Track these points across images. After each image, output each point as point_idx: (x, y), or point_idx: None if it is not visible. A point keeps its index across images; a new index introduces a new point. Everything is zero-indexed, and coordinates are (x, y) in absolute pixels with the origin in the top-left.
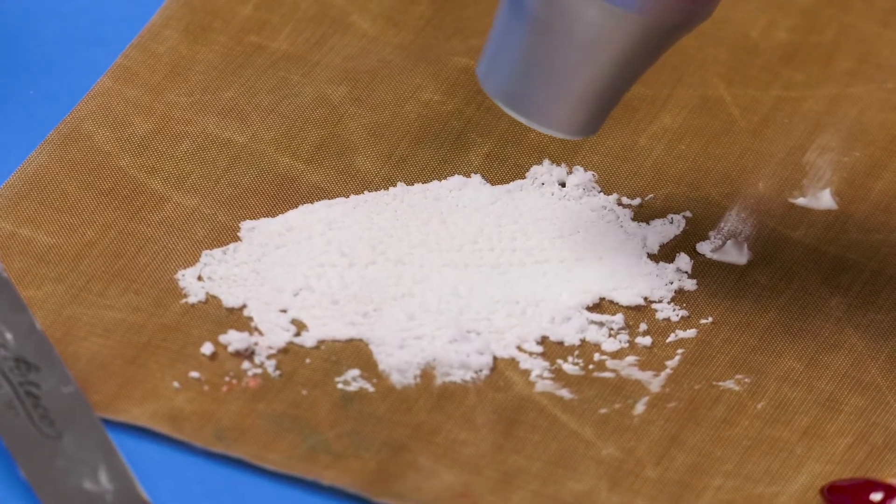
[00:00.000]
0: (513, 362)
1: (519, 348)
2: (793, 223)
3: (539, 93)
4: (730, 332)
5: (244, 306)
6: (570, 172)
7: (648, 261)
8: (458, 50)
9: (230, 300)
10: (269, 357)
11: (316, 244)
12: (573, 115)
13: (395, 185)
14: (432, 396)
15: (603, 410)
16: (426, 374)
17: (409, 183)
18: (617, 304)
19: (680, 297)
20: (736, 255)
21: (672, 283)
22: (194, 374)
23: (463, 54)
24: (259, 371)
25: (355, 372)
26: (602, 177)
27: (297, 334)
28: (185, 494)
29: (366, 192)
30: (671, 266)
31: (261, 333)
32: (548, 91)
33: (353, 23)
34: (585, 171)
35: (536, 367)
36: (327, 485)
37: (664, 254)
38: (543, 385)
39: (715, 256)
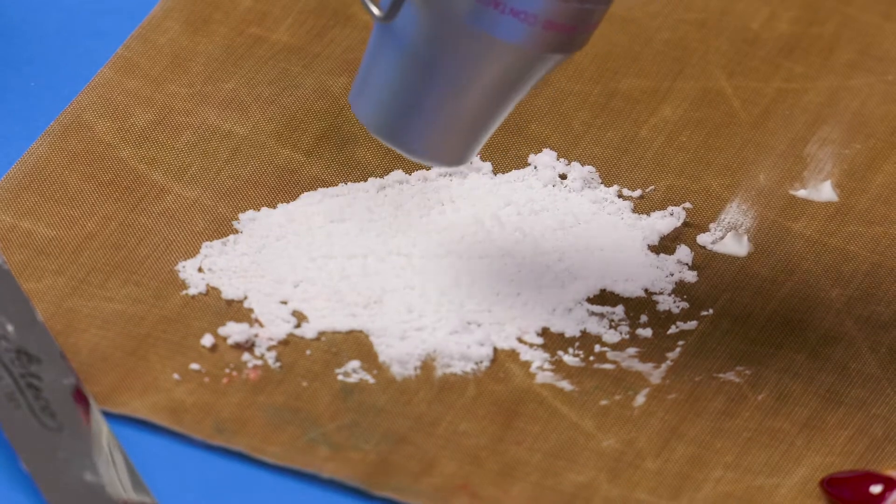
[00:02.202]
0: (513, 354)
1: (519, 340)
2: (793, 215)
3: (409, 120)
4: (730, 323)
5: (244, 298)
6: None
7: (649, 252)
8: None
9: (230, 292)
10: (270, 349)
11: (316, 235)
12: (444, 144)
13: (391, 173)
14: (433, 388)
15: (603, 402)
16: (427, 365)
17: (408, 172)
18: (618, 295)
19: (680, 288)
20: (736, 247)
21: (673, 274)
22: (194, 365)
23: None
24: (259, 363)
25: (356, 363)
26: (603, 168)
27: (298, 326)
28: (186, 486)
29: (366, 180)
30: (672, 258)
31: (261, 325)
32: (418, 120)
33: (354, 14)
34: (584, 164)
35: (537, 358)
36: (327, 477)
37: (665, 245)
38: (544, 376)
39: (715, 248)
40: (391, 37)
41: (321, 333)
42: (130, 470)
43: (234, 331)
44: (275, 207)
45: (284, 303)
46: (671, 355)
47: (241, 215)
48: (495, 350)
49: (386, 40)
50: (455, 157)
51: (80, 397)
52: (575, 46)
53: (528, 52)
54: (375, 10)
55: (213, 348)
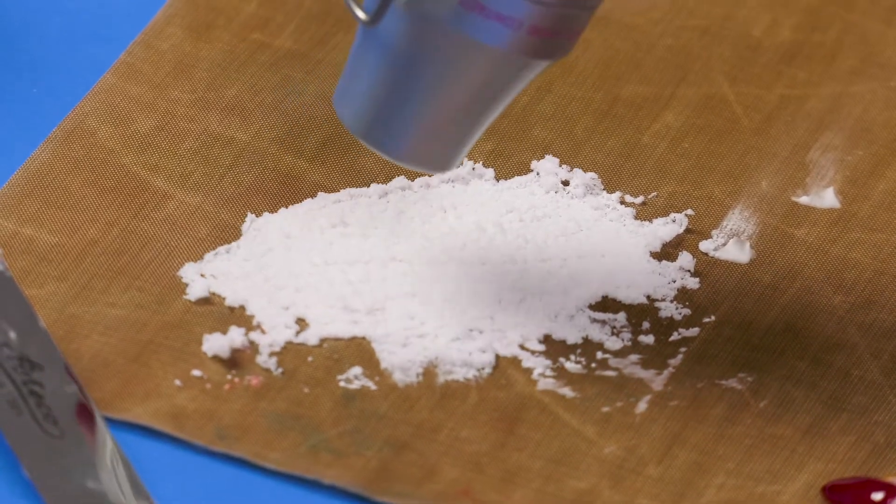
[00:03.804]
0: (515, 360)
1: (521, 346)
2: (796, 222)
3: (393, 125)
4: (732, 330)
5: (247, 304)
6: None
7: (651, 259)
8: None
9: (233, 298)
10: (272, 355)
11: (318, 242)
12: (428, 148)
13: (393, 180)
14: (434, 394)
15: (605, 409)
16: (428, 372)
17: (411, 178)
18: (619, 302)
19: (682, 295)
20: (738, 254)
21: (675, 281)
22: (196, 372)
23: None
24: (261, 369)
25: (357, 370)
26: (605, 175)
27: (300, 332)
28: (188, 493)
29: (369, 187)
30: (674, 264)
31: (263, 331)
32: (402, 124)
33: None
34: (587, 171)
35: (539, 365)
36: (329, 483)
37: (667, 252)
38: (545, 383)
39: (718, 255)
40: (375, 40)
41: (323, 340)
42: (132, 476)
43: (237, 337)
44: (277, 214)
45: (286, 309)
46: (673, 362)
47: (243, 221)
48: (497, 357)
49: (370, 43)
50: (439, 163)
51: (83, 407)
52: (560, 52)
53: (512, 56)
54: (360, 14)
55: (215, 354)
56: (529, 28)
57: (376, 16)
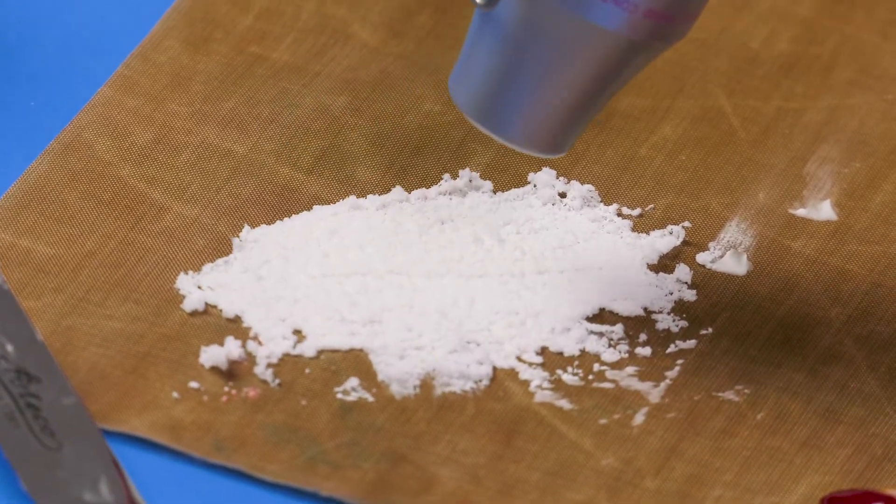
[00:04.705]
0: (512, 373)
1: (518, 359)
2: (793, 234)
3: (508, 108)
4: (729, 342)
5: (244, 315)
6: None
7: (648, 271)
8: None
9: (230, 310)
10: (269, 366)
11: (315, 253)
12: (542, 132)
13: (391, 191)
14: (432, 406)
15: (602, 421)
16: (426, 384)
17: (408, 190)
18: (617, 314)
19: (680, 307)
20: (736, 266)
21: (672, 293)
22: (194, 384)
23: None
24: (259, 380)
25: (355, 382)
26: (602, 187)
27: (297, 344)
28: None
29: (366, 197)
30: (671, 277)
31: (260, 343)
32: (517, 107)
33: (354, 33)
34: (584, 183)
35: (536, 377)
36: (326, 496)
37: (664, 264)
38: (543, 395)
39: (715, 267)
40: (490, 24)
41: (320, 351)
42: (130, 489)
43: (233, 349)
44: (274, 225)
45: (284, 321)
46: (670, 374)
47: (240, 233)
48: (494, 369)
49: (485, 27)
50: (552, 146)
51: (80, 419)
52: (675, 36)
53: (627, 39)
54: None
55: (213, 366)
56: (646, 11)
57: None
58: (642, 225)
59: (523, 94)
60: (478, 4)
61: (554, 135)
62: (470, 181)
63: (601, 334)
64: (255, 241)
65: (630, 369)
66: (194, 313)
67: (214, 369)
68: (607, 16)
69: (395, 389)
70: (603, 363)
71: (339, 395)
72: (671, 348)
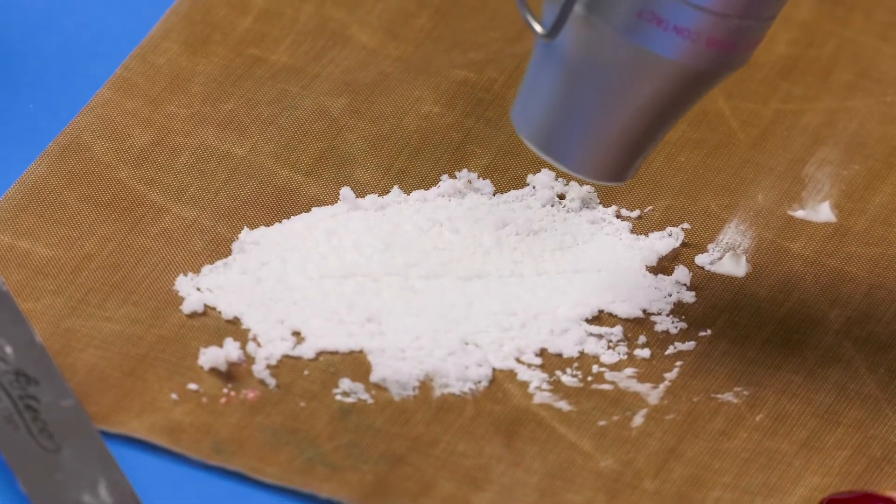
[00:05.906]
0: (511, 374)
1: (518, 360)
2: (792, 236)
3: (571, 137)
4: (728, 344)
5: (242, 317)
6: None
7: (647, 273)
8: (457, 62)
9: (229, 311)
10: (267, 368)
11: (314, 255)
12: (604, 160)
13: (389, 192)
14: (431, 408)
15: (601, 422)
16: (425, 385)
17: (407, 192)
18: (616, 316)
19: (679, 309)
20: (735, 268)
21: (671, 295)
22: (192, 386)
23: (462, 67)
24: (258, 382)
25: (353, 384)
26: (601, 189)
27: (296, 345)
28: None
29: (365, 198)
30: (670, 278)
31: (259, 344)
32: (579, 136)
33: (353, 35)
34: (583, 184)
35: (535, 378)
36: (325, 498)
37: (663, 266)
38: (542, 397)
39: (714, 269)
40: (553, 54)
41: (319, 353)
42: (128, 491)
43: (232, 351)
44: (273, 227)
45: (282, 322)
46: (669, 376)
47: (239, 235)
48: (493, 370)
49: (548, 57)
50: (615, 174)
51: (79, 421)
52: (737, 64)
53: (689, 68)
54: (538, 28)
55: (212, 368)
56: (707, 40)
57: (554, 29)
58: (641, 227)
59: (585, 124)
60: (539, 35)
61: (616, 164)
62: (469, 183)
63: (600, 336)
64: (255, 243)
65: (629, 371)
66: (193, 315)
67: (213, 371)
68: (669, 46)
69: (394, 391)
70: (602, 365)
71: (338, 397)
72: (670, 350)
